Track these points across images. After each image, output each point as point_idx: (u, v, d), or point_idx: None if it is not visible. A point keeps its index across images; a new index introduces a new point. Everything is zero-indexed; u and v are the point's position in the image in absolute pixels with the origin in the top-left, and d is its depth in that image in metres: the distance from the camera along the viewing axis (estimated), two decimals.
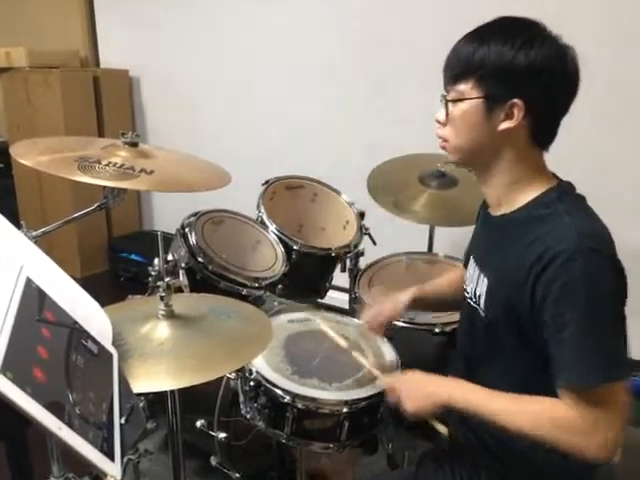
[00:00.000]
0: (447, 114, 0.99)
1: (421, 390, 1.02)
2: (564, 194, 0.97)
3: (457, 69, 0.96)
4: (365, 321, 1.32)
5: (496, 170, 1.00)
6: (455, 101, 0.97)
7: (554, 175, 1.02)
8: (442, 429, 1.06)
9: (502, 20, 0.96)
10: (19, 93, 3.24)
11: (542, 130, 0.97)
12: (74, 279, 0.83)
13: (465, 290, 1.14)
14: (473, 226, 1.22)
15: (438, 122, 1.02)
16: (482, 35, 0.94)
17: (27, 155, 1.25)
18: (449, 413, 1.13)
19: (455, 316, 1.51)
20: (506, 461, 1.04)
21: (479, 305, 1.05)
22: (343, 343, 1.25)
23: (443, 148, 1.04)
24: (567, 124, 0.98)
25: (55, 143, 1.42)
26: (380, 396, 1.16)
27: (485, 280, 1.04)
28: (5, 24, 3.76)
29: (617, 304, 0.89)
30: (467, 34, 0.97)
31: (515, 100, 0.92)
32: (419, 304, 1.32)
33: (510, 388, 0.99)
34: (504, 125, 0.94)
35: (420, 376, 1.07)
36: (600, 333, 0.86)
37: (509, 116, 0.93)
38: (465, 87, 0.95)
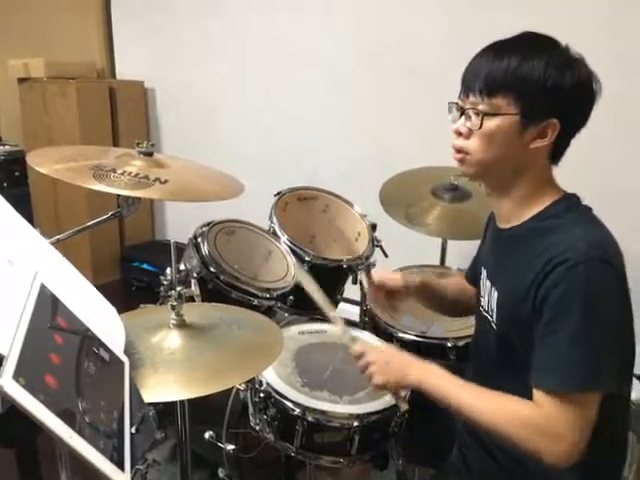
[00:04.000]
0: (480, 126, 0.94)
1: (393, 366, 1.03)
2: (571, 205, 0.97)
3: (494, 82, 0.92)
4: (368, 283, 1.27)
5: (513, 186, 0.99)
6: (489, 115, 0.93)
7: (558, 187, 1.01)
8: (403, 405, 1.08)
9: (536, 37, 0.94)
10: (36, 103, 3.29)
11: (561, 147, 0.97)
12: None
13: (480, 303, 1.13)
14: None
15: (459, 133, 0.98)
16: (523, 50, 0.91)
17: (43, 163, 1.26)
18: (459, 434, 1.12)
19: (468, 330, 1.50)
20: None
21: (492, 318, 1.05)
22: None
23: (461, 161, 1.00)
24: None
25: (71, 152, 1.44)
26: (392, 410, 1.15)
27: (495, 293, 1.03)
28: (24, 36, 3.82)
29: (617, 316, 0.88)
30: (498, 47, 0.94)
31: (553, 120, 0.91)
32: (424, 291, 1.30)
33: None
34: (536, 144, 0.93)
35: (394, 352, 1.08)
36: (588, 343, 0.86)
37: (541, 135, 0.92)
38: (502, 102, 0.92)
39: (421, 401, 1.10)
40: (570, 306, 0.85)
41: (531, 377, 0.90)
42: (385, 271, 1.33)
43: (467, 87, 0.96)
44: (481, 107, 0.94)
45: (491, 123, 0.93)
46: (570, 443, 0.86)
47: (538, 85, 0.89)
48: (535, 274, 0.90)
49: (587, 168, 1.81)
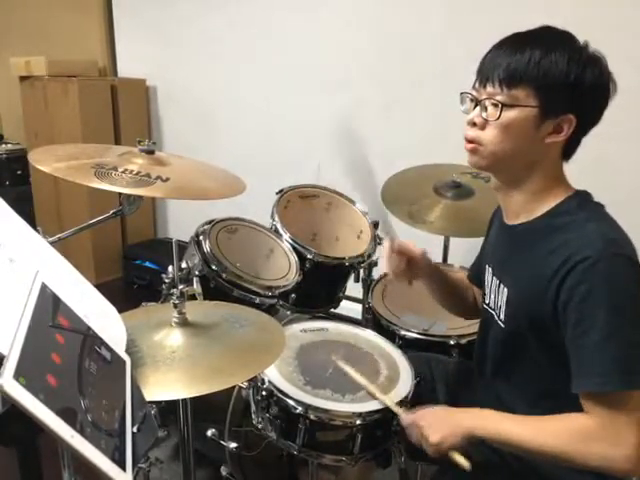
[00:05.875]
0: (498, 117, 0.93)
1: (444, 422, 0.99)
2: (584, 202, 0.96)
3: (515, 73, 0.90)
4: (389, 250, 1.23)
5: (524, 180, 0.98)
6: (508, 106, 0.92)
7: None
8: (464, 463, 1.01)
9: (555, 31, 0.94)
10: (38, 101, 3.29)
11: (574, 144, 0.96)
12: None
13: (485, 302, 1.12)
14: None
15: (473, 124, 0.97)
16: (545, 44, 0.90)
17: (45, 161, 1.26)
18: None
19: (470, 328, 1.49)
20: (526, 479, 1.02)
21: (499, 316, 1.04)
22: (360, 379, 1.20)
23: (473, 151, 0.98)
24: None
25: (72, 150, 1.43)
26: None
27: (505, 290, 1.02)
28: (26, 34, 3.83)
29: None
30: (518, 39, 0.93)
31: (570, 115, 0.91)
32: (436, 272, 1.27)
33: (527, 399, 0.97)
34: (551, 138, 0.93)
35: (442, 409, 1.05)
36: (622, 339, 0.85)
37: (557, 130, 0.92)
38: (521, 94, 0.91)
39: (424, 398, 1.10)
40: (596, 305, 0.84)
41: (572, 384, 0.88)
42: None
43: (485, 77, 0.94)
44: (499, 98, 0.92)
45: (509, 114, 0.92)
46: (631, 444, 0.83)
47: (560, 79, 0.89)
48: (553, 272, 0.89)
49: (599, 165, 1.81)
